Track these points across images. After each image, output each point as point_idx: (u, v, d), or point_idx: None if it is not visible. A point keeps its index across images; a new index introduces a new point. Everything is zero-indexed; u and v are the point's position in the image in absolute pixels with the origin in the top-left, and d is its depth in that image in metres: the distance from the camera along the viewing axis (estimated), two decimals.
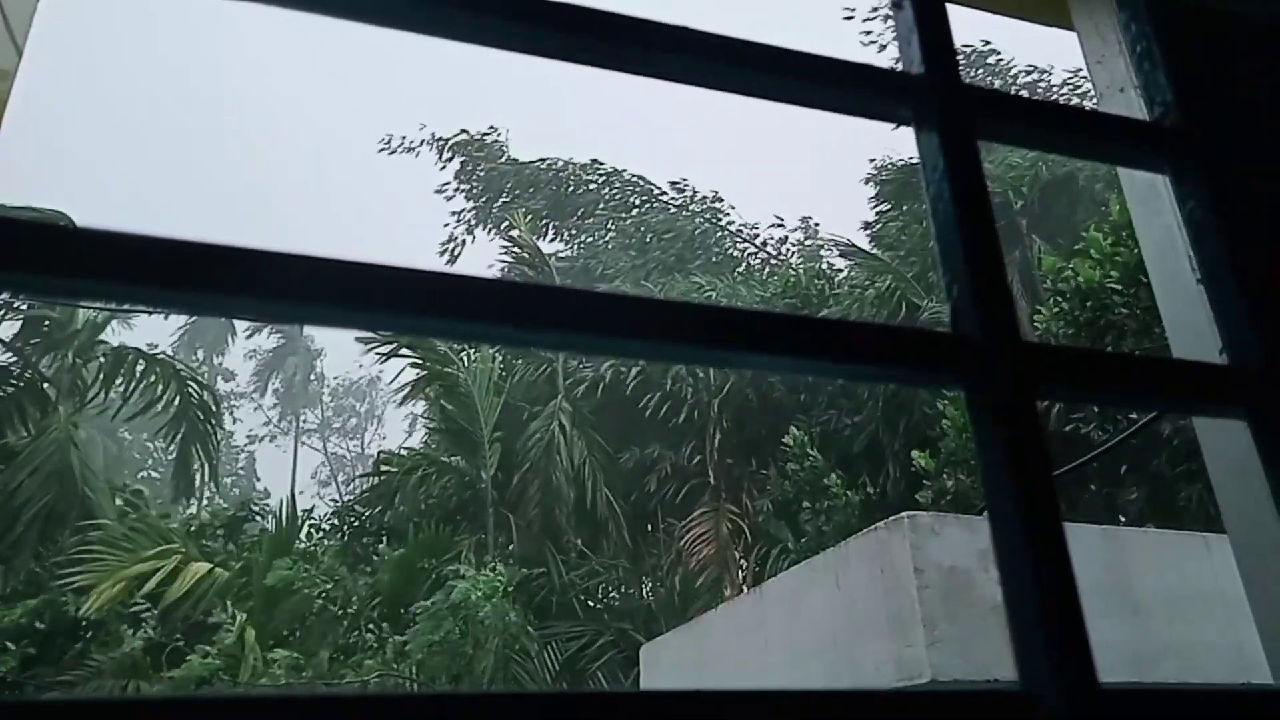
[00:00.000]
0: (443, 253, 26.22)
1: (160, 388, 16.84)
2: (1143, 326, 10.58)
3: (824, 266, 22.52)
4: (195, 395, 17.31)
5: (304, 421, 41.44)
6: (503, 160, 25.68)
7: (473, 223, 25.99)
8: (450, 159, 26.03)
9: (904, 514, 6.37)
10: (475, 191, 25.84)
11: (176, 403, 16.86)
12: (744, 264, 23.55)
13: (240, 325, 40.38)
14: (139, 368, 16.79)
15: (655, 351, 0.66)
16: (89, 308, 15.71)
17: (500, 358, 16.53)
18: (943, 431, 14.22)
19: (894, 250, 18.10)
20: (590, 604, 16.09)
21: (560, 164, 25.11)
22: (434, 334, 0.63)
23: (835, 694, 0.56)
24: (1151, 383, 0.72)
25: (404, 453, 18.58)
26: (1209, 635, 6.10)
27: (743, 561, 15.82)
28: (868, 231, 20.29)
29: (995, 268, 0.69)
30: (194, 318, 38.60)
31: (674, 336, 0.62)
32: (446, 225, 26.27)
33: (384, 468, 17.79)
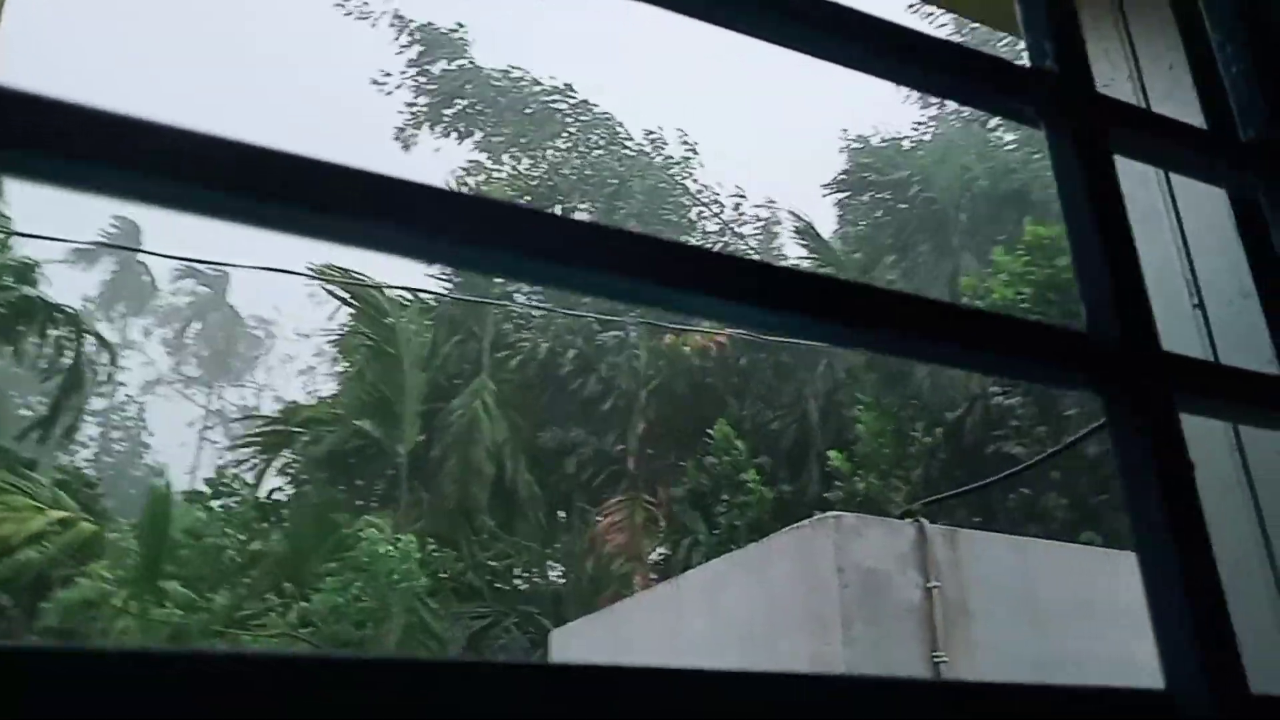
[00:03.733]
0: (396, 138, 24.90)
1: (56, 338, 16.01)
2: None
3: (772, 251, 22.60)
4: (94, 350, 16.54)
5: (207, 373, 40.39)
6: (463, 60, 24.23)
7: (423, 119, 24.64)
8: (409, 44, 24.56)
9: (830, 514, 6.52)
10: (430, 87, 24.40)
11: (71, 357, 16.05)
12: (699, 229, 23.12)
13: (164, 280, 39.58)
14: (39, 319, 15.89)
15: (750, 318, 0.63)
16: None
17: (430, 332, 16.24)
18: (857, 436, 14.65)
19: (847, 245, 18.43)
20: (498, 585, 15.97)
21: (528, 80, 23.67)
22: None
23: (948, 686, 0.55)
24: None
25: (313, 403, 18.04)
26: (1104, 646, 6.42)
27: (654, 551, 15.95)
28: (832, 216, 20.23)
29: (1135, 276, 0.68)
30: (117, 272, 37.48)
31: (802, 308, 0.59)
32: (400, 113, 24.94)
33: (296, 417, 17.32)
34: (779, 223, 23.54)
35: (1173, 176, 1.13)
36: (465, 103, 24.01)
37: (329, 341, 17.43)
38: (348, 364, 16.85)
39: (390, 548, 12.56)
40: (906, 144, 20.39)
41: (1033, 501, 12.12)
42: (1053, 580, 6.79)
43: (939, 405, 14.14)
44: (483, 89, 23.68)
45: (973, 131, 20.19)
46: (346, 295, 16.01)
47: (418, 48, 24.59)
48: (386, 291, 15.91)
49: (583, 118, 23.26)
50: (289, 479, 16.84)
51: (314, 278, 15.22)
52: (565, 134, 23.26)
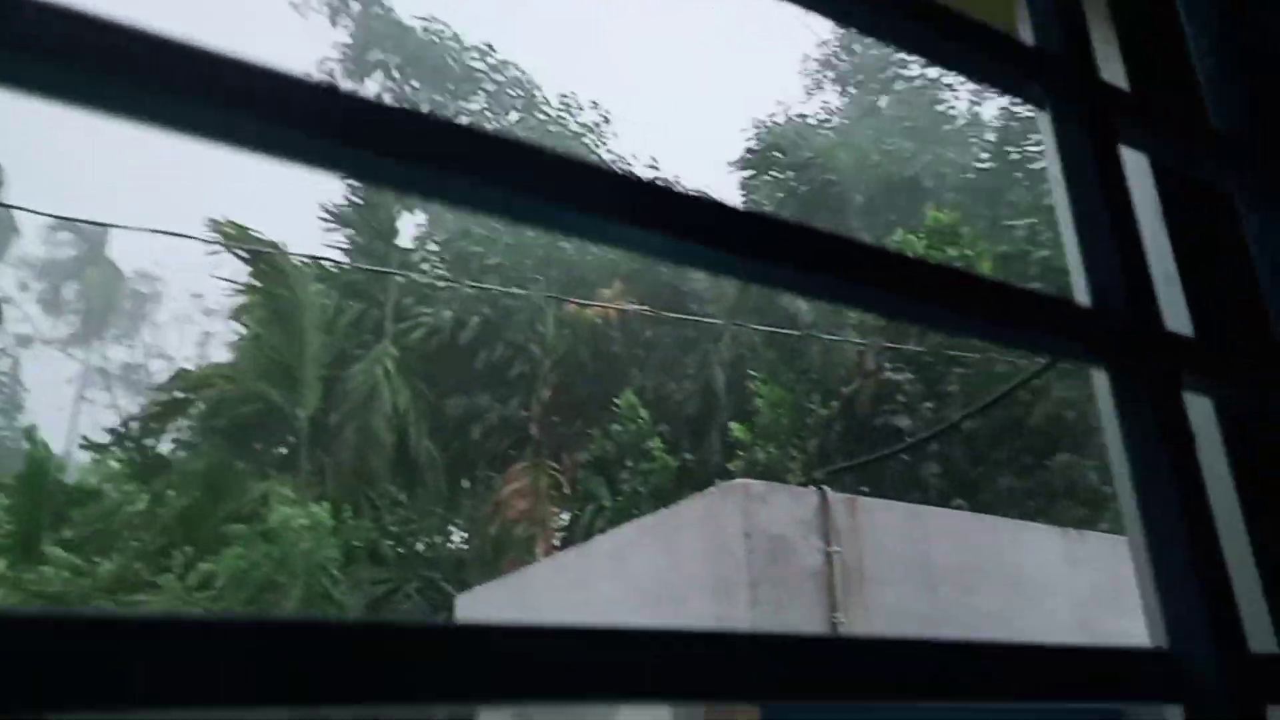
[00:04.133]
0: None
1: None
2: None
3: None
4: None
5: (86, 331, 38.23)
6: (381, 10, 23.52)
7: (336, 68, 23.86)
8: None
9: (738, 481, 6.67)
10: (345, 40, 23.70)
11: None
12: None
13: (35, 229, 37.16)
14: None
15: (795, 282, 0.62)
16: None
17: (330, 297, 15.69)
18: (757, 408, 15.01)
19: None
20: (399, 551, 15.73)
21: (449, 34, 23.19)
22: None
23: (948, 645, 0.56)
24: None
25: (208, 366, 17.29)
26: (988, 605, 6.86)
27: (558, 517, 15.98)
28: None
29: (1139, 256, 0.71)
30: None
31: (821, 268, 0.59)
32: (308, 65, 24.27)
33: (191, 381, 16.51)
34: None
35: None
36: (382, 54, 23.30)
37: (229, 304, 16.63)
38: (245, 325, 16.13)
39: (303, 520, 12.22)
40: (810, 125, 20.85)
41: (915, 471, 12.74)
42: (942, 545, 7.16)
43: (834, 380, 14.62)
44: (401, 40, 22.96)
45: (871, 120, 20.79)
46: (244, 254, 15.25)
47: None
48: (286, 257, 15.26)
49: (498, 78, 22.87)
50: (183, 445, 16.09)
51: (204, 240, 14.42)
52: (481, 92, 22.86)
